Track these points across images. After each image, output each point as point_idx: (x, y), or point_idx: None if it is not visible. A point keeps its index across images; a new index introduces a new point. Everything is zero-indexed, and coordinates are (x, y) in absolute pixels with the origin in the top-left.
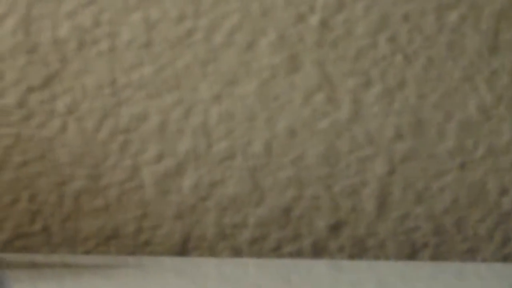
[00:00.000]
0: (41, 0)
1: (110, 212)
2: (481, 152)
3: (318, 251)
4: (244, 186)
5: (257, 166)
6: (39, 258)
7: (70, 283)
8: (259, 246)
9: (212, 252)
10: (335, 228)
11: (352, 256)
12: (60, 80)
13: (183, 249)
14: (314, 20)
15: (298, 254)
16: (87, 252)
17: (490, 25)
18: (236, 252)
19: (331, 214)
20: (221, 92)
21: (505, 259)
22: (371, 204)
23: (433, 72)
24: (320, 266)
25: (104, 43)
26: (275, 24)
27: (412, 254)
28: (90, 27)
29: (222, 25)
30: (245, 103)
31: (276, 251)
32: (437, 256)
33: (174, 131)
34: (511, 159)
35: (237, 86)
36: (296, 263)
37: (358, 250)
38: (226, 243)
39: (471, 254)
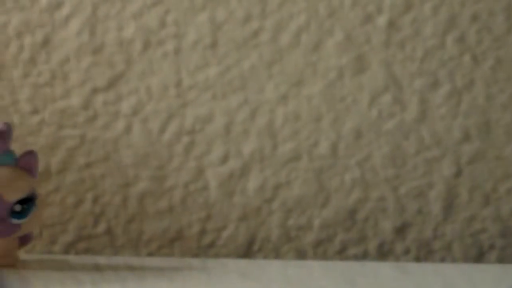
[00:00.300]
0: (106, 0)
1: (174, 214)
2: None
3: (383, 253)
4: (309, 187)
5: (323, 167)
6: (102, 260)
7: (133, 285)
8: (324, 248)
9: (276, 254)
10: (401, 230)
11: (418, 259)
12: (125, 81)
13: (247, 251)
14: (381, 20)
15: (363, 256)
16: (151, 254)
17: None
18: (301, 254)
19: (397, 216)
20: (287, 93)
21: None
22: (438, 206)
23: (501, 72)
24: (385, 268)
25: (170, 44)
26: (342, 25)
27: (478, 256)
28: (156, 27)
29: (289, 26)
30: (311, 104)
31: (341, 254)
32: (504, 258)
33: (240, 132)
34: None
35: (303, 87)
36: (361, 266)
37: (424, 253)
38: (291, 245)
39: None
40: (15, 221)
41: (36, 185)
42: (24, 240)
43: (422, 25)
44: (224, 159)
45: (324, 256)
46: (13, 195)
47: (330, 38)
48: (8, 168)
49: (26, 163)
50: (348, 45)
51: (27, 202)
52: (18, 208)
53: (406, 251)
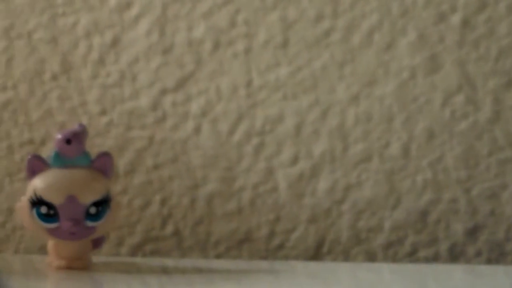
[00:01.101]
0: (176, 0)
1: (242, 216)
2: None
3: (455, 255)
4: (380, 189)
5: (394, 168)
6: (170, 262)
7: None
8: (395, 251)
9: (346, 256)
10: (473, 232)
11: (490, 261)
12: (194, 82)
13: (316, 254)
14: (455, 19)
15: (434, 258)
16: (219, 257)
17: None
18: (371, 257)
19: (469, 217)
20: (359, 93)
21: None
22: (510, 208)
23: None
24: (457, 271)
25: (240, 44)
26: (415, 24)
27: None
28: (226, 27)
29: (361, 25)
30: (383, 104)
31: (412, 256)
32: None
33: (310, 133)
34: None
35: (375, 87)
36: (432, 268)
37: (497, 255)
38: (361, 248)
39: None
40: (90, 223)
41: (110, 186)
42: (97, 243)
43: (497, 24)
44: (294, 160)
45: (394, 259)
46: (89, 197)
47: (403, 38)
48: (83, 169)
49: (101, 164)
50: (421, 44)
51: (102, 204)
52: (93, 210)
53: (478, 253)
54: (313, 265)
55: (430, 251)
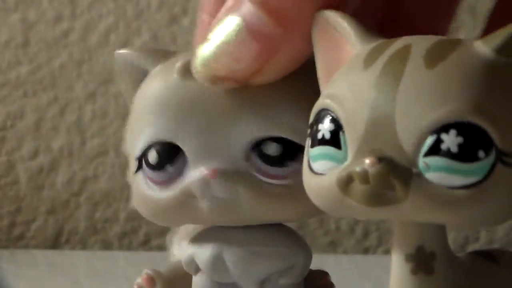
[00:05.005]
0: None
1: None
2: None
3: None
4: (115, 181)
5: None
6: None
7: None
8: (129, 240)
9: (83, 245)
10: None
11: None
12: None
13: (55, 243)
14: (186, 21)
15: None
16: None
17: None
18: (107, 246)
19: None
20: (96, 91)
21: None
22: None
23: None
24: None
25: None
26: (149, 25)
27: None
28: None
29: (98, 26)
30: (118, 101)
31: (146, 245)
32: None
33: (49, 129)
34: None
35: (111, 85)
36: (163, 255)
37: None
38: (97, 237)
39: None
40: None
41: None
42: None
43: None
44: (34, 154)
45: (129, 247)
46: None
47: (137, 38)
48: None
49: None
50: (154, 44)
51: None
52: None
53: None
54: (52, 254)
55: (163, 240)
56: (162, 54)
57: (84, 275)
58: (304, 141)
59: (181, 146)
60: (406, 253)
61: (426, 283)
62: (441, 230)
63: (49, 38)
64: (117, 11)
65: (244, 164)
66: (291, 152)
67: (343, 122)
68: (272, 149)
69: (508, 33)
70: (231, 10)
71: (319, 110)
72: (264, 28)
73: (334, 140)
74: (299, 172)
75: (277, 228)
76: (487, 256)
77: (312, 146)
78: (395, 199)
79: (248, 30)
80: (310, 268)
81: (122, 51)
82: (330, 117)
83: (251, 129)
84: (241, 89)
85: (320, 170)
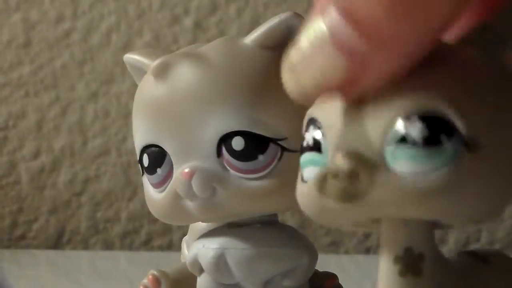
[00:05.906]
0: None
1: None
2: None
3: None
4: (117, 181)
5: (131, 162)
6: None
7: None
8: (131, 240)
9: (85, 245)
10: None
11: None
12: None
13: (57, 243)
14: (188, 21)
15: (168, 247)
16: None
17: None
18: (108, 246)
19: None
20: (97, 91)
21: None
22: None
23: None
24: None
25: None
26: (151, 25)
27: None
28: None
29: (99, 26)
30: (120, 101)
31: (147, 245)
32: None
33: (51, 129)
34: None
35: (113, 84)
36: (166, 256)
37: None
38: (99, 237)
39: None
40: None
41: None
42: None
43: (227, 26)
44: (36, 154)
45: (131, 247)
46: None
47: (139, 38)
48: None
49: None
50: (156, 44)
51: None
52: None
53: None
54: (54, 254)
55: (164, 240)
56: (160, 55)
57: (85, 275)
58: (271, 133)
59: (164, 148)
60: (394, 255)
61: (414, 285)
62: (429, 231)
63: (50, 38)
64: (119, 11)
65: (217, 161)
66: (258, 145)
67: (324, 127)
68: (236, 143)
69: None
70: (318, 13)
71: (307, 119)
72: (348, 40)
73: (317, 145)
74: (275, 165)
75: (282, 229)
76: (476, 256)
77: (302, 153)
78: (362, 191)
79: (332, 40)
80: (316, 268)
81: (125, 55)
82: (313, 125)
83: (219, 126)
84: (208, 88)
85: (306, 177)
